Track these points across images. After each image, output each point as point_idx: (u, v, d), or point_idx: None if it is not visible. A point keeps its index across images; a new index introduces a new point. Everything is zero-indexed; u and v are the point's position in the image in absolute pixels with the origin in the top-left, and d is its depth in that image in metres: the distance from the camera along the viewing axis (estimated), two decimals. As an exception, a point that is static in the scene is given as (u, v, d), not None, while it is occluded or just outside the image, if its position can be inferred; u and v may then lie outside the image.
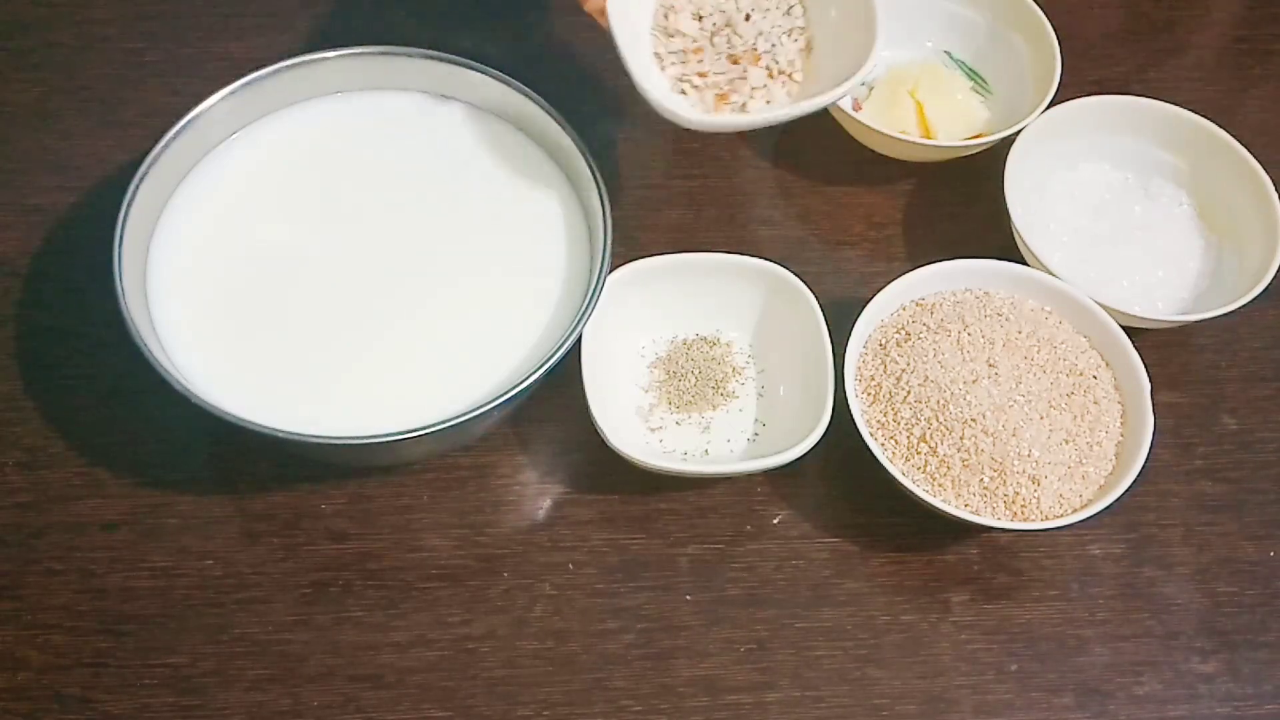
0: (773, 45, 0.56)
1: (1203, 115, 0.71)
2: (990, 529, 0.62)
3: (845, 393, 0.61)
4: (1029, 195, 0.70)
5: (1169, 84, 0.80)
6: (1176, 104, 0.72)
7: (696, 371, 0.65)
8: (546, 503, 0.63)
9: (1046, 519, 0.59)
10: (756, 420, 0.65)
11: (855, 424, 0.60)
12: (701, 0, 0.59)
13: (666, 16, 0.58)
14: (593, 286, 0.59)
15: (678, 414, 0.64)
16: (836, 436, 0.60)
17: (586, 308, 0.59)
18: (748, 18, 0.57)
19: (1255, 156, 0.70)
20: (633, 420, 0.64)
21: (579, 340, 0.59)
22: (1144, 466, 0.60)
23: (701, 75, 0.57)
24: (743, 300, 0.66)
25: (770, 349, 0.66)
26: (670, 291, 0.65)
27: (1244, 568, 0.63)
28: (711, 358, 0.66)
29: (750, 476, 0.64)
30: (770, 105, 0.56)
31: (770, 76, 0.57)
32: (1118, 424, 0.62)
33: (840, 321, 0.63)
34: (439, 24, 0.79)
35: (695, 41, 0.57)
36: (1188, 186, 0.72)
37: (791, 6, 0.57)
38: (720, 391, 0.65)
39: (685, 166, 0.74)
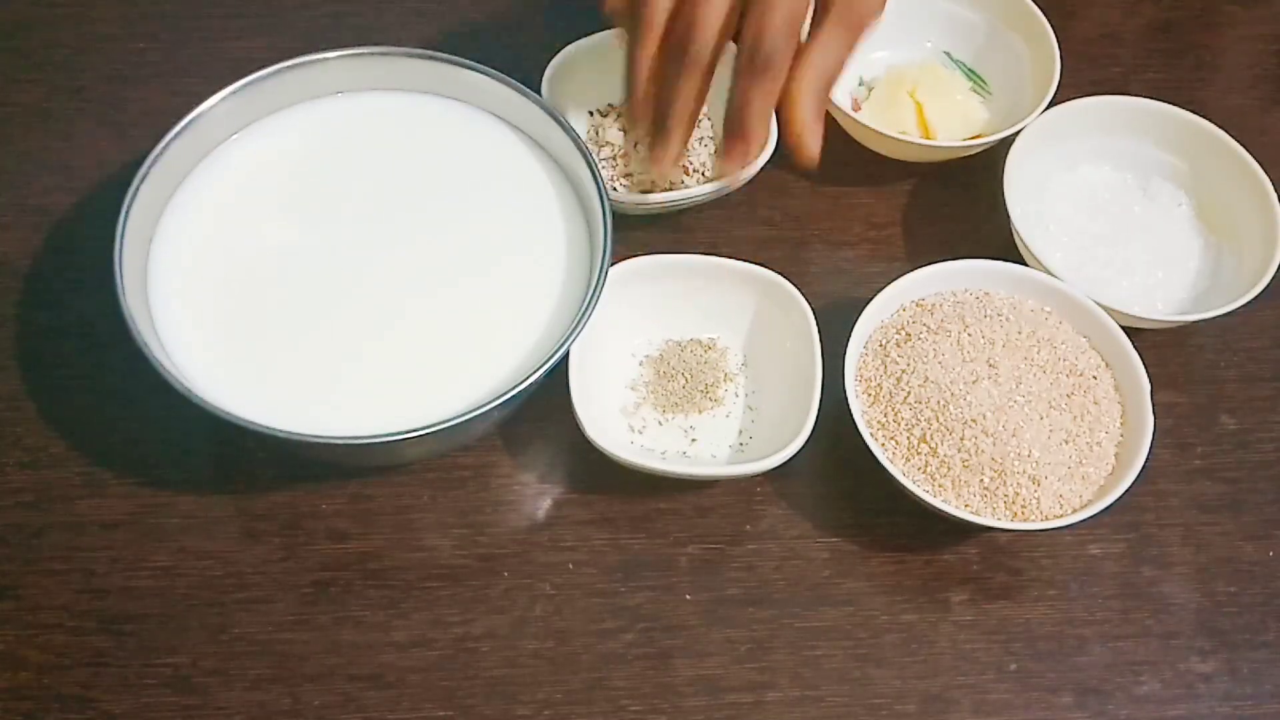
0: (688, 150, 0.69)
1: (1202, 116, 0.71)
2: (990, 529, 0.62)
3: (846, 394, 0.61)
4: (1029, 195, 0.70)
5: (1168, 84, 0.80)
6: (1176, 105, 0.72)
7: (687, 373, 0.65)
8: (547, 502, 0.63)
9: (1046, 519, 0.59)
10: (741, 431, 0.65)
11: (855, 424, 0.60)
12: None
13: (598, 131, 0.70)
14: (593, 287, 0.59)
15: (661, 415, 0.65)
16: (837, 437, 0.60)
17: (586, 308, 0.59)
18: None
19: (1255, 157, 0.70)
20: (616, 417, 0.64)
21: (579, 340, 0.59)
22: (1144, 466, 0.60)
23: (627, 175, 0.69)
24: (735, 305, 0.66)
25: (762, 358, 0.66)
26: (666, 292, 0.66)
27: (1243, 568, 0.63)
28: (705, 361, 0.66)
29: (749, 478, 0.64)
30: (686, 188, 0.69)
31: (687, 174, 0.69)
32: (1117, 424, 0.62)
33: (840, 322, 0.63)
34: (439, 24, 0.79)
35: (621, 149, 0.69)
36: (1187, 187, 0.72)
37: (701, 120, 0.68)
38: (709, 396, 0.65)
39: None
